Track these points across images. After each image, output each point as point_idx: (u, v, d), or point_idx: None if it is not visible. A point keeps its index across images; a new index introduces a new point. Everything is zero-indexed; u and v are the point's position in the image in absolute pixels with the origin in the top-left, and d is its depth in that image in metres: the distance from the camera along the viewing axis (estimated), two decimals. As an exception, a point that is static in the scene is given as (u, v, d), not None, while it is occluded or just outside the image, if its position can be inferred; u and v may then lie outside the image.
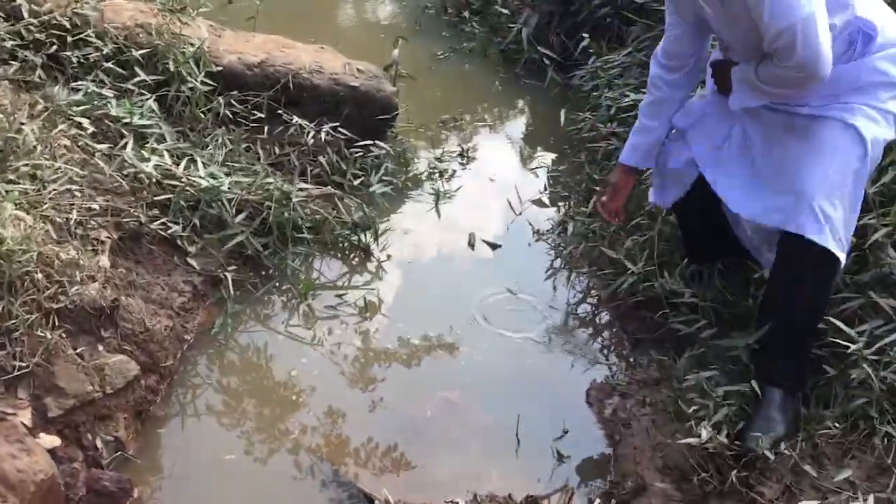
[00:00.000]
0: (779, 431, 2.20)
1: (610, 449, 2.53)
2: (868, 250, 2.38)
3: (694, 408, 2.27)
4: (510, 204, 3.68)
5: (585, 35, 4.00)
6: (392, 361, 2.91)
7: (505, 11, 5.30)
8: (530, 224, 3.55)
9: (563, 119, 3.79)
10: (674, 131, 2.59)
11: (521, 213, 3.61)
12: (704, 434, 2.11)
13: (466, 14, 5.59)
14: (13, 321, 2.32)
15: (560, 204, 3.66)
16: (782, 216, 2.25)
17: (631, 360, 2.84)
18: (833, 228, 2.18)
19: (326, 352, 2.94)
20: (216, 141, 3.52)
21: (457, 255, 3.43)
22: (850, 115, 2.18)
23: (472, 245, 3.47)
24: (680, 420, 2.39)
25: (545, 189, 3.79)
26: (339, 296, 3.17)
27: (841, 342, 2.18)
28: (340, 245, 3.42)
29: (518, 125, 4.39)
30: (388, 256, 3.38)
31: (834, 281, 2.29)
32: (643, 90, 3.47)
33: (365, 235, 3.41)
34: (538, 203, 3.72)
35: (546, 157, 4.03)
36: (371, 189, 3.63)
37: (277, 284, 3.21)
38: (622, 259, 2.97)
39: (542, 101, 4.45)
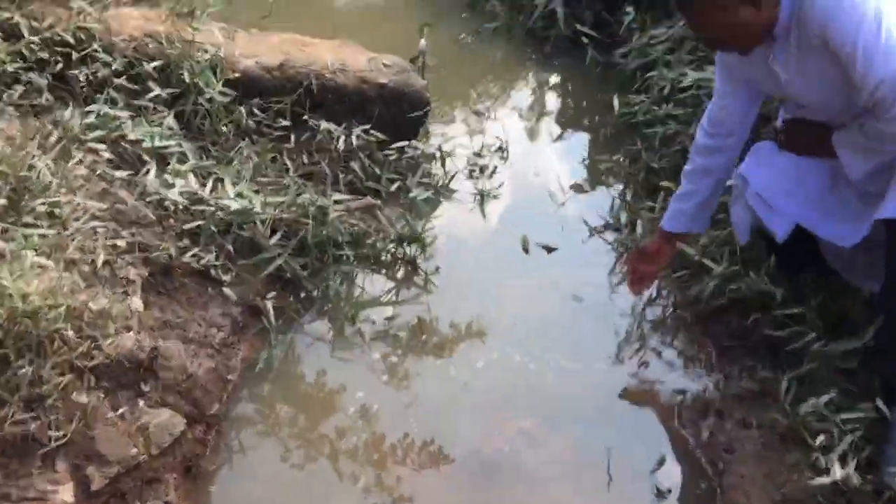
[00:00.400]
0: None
1: (714, 479, 2.28)
2: None
3: (818, 437, 2.01)
4: (558, 197, 3.41)
5: (630, 9, 3.69)
6: (456, 389, 2.66)
7: (525, -13, 4.98)
8: (585, 222, 3.27)
9: (616, 104, 3.49)
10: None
11: (571, 207, 3.33)
12: (838, 471, 1.85)
13: (487, -8, 5.27)
14: (45, 387, 2.08)
15: (615, 196, 3.37)
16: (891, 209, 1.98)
17: (721, 371, 2.57)
18: None
19: (383, 381, 2.69)
20: (241, 155, 3.25)
21: (510, 261, 3.15)
22: None
23: (525, 249, 3.20)
24: (793, 444, 2.14)
25: (597, 181, 3.51)
26: (390, 318, 2.91)
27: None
28: (384, 259, 3.16)
29: (558, 111, 4.08)
30: (437, 268, 3.11)
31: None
32: (699, 66, 3.23)
33: (410, 247, 3.14)
34: (590, 196, 3.44)
35: (595, 146, 3.73)
36: (411, 195, 3.36)
37: (322, 308, 2.95)
38: (700, 259, 2.70)
39: (582, 82, 4.15)
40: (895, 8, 1.84)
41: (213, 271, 2.80)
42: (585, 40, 4.01)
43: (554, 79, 4.34)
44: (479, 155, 3.70)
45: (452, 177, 3.54)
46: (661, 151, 3.19)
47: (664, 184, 2.98)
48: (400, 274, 3.13)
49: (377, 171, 3.45)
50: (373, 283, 3.08)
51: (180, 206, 2.81)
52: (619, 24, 3.92)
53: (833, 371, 2.21)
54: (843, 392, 2.13)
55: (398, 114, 3.61)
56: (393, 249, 3.14)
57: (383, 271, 3.13)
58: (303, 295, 2.96)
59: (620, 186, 3.40)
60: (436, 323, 2.89)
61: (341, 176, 3.37)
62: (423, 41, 3.92)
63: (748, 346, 2.55)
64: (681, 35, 3.47)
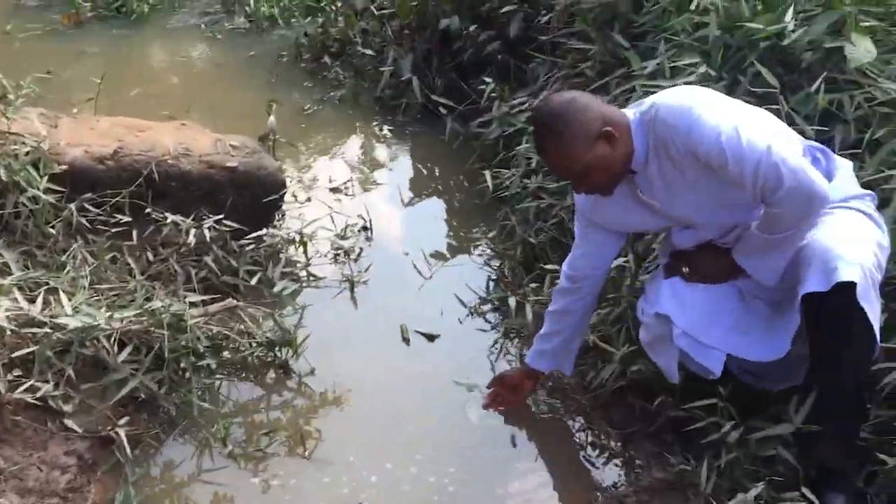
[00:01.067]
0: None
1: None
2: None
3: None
4: (433, 279, 3.23)
5: (488, 79, 3.60)
6: (350, 510, 2.38)
7: (369, 52, 4.86)
8: (462, 303, 3.10)
9: (489, 178, 3.35)
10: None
11: (446, 288, 3.15)
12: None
13: (326, 59, 5.11)
14: None
15: (490, 273, 3.23)
16: (815, 282, 1.92)
17: (628, 461, 2.44)
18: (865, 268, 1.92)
19: (265, 510, 2.37)
20: (74, 259, 2.87)
21: (390, 354, 2.92)
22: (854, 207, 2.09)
23: (406, 339, 2.98)
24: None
25: (472, 258, 3.36)
26: (266, 433, 2.60)
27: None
28: (251, 364, 2.84)
29: (422, 185, 3.92)
30: (312, 370, 2.83)
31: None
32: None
33: (281, 350, 2.85)
34: (466, 274, 3.28)
35: (465, 222, 3.59)
36: (276, 289, 3.07)
37: (185, 429, 2.60)
38: (596, 340, 2.58)
39: (442, 154, 4.02)
40: (733, 110, 1.97)
41: (51, 402, 2.41)
42: (443, 110, 3.89)
43: (412, 151, 4.19)
44: (342, 237, 3.47)
45: (316, 262, 3.28)
46: (536, 225, 3.08)
47: (549, 266, 2.86)
48: (271, 379, 2.82)
49: (234, 263, 3.15)
50: (241, 394, 2.75)
51: (7, 332, 2.40)
52: (474, 93, 3.83)
53: (752, 458, 2.12)
54: (766, 482, 2.04)
55: (252, 199, 3.33)
56: (261, 354, 2.83)
57: (252, 378, 2.82)
58: (162, 416, 2.60)
59: (496, 263, 3.26)
60: (318, 433, 2.60)
61: (194, 273, 3.04)
62: (271, 118, 3.68)
63: (654, 430, 2.44)
64: (542, 104, 3.39)
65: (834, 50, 2.62)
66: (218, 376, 2.75)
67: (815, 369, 2.02)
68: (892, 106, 2.48)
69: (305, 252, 3.38)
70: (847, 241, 1.96)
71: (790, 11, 2.63)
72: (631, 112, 2.09)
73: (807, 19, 2.69)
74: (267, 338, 2.81)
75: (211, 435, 2.57)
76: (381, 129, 4.37)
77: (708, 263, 2.19)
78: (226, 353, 2.83)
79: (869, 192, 2.18)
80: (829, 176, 2.10)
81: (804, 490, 1.95)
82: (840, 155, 2.26)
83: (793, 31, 2.61)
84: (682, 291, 2.19)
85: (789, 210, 1.92)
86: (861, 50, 2.53)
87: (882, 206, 2.34)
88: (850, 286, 1.86)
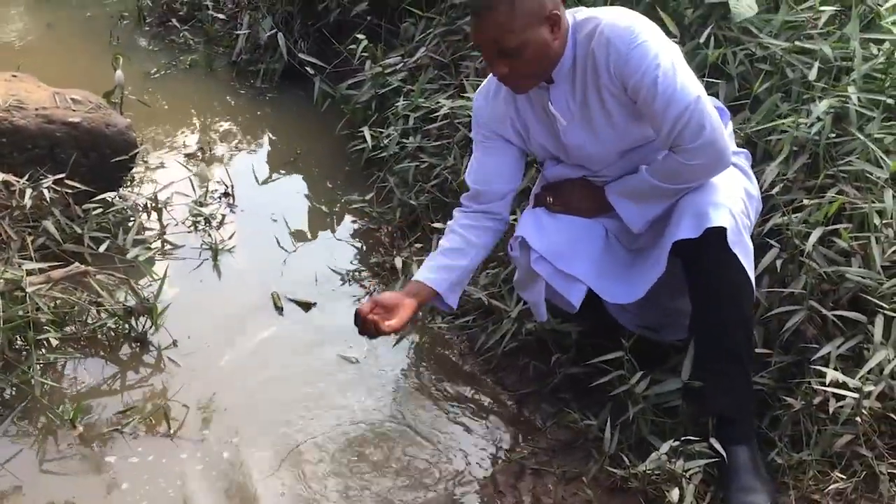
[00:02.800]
0: (762, 502, 1.82)
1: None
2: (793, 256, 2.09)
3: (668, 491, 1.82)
4: (305, 245, 3.01)
5: (361, 36, 3.40)
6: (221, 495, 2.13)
7: (220, 16, 4.56)
8: (335, 271, 2.90)
9: (368, 137, 3.14)
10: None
11: (321, 255, 2.94)
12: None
13: (174, 22, 4.74)
14: None
15: (370, 239, 3.04)
16: (686, 228, 1.89)
17: (522, 422, 2.32)
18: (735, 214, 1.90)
19: (124, 496, 2.08)
20: None
21: (261, 324, 2.67)
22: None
23: (278, 308, 2.74)
24: (631, 497, 1.94)
25: (347, 224, 3.16)
26: (122, 412, 2.30)
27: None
28: (101, 338, 2.53)
29: (287, 150, 3.65)
30: (174, 342, 2.55)
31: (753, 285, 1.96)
32: (450, 96, 3.02)
33: (137, 321, 2.54)
34: (341, 240, 3.08)
35: (337, 186, 3.37)
36: (129, 256, 2.75)
37: (25, 411, 2.27)
38: (485, 300, 2.45)
39: (308, 118, 3.78)
40: (672, 48, 1.88)
41: None
42: (310, 70, 3.65)
43: (276, 115, 3.94)
44: (201, 203, 3.18)
45: (174, 230, 2.98)
46: (416, 187, 2.92)
47: (436, 225, 2.70)
48: (126, 354, 2.52)
49: (78, 229, 2.81)
50: (91, 371, 2.44)
51: None
52: (341, 55, 3.62)
53: (654, 411, 2.05)
54: (669, 433, 1.98)
55: (99, 160, 3.00)
56: (114, 325, 2.52)
57: (103, 353, 2.51)
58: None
59: (373, 228, 3.07)
60: (184, 409, 2.32)
61: (30, 239, 2.68)
62: (118, 73, 3.33)
63: (550, 389, 2.34)
64: (417, 64, 3.25)
65: (715, 6, 2.62)
66: (64, 352, 2.42)
67: (696, 318, 1.98)
68: (772, 62, 2.50)
69: (160, 219, 3.08)
70: (717, 191, 1.93)
71: (674, -34, 2.61)
72: (569, 16, 1.94)
73: (689, -24, 2.68)
74: (122, 305, 2.50)
75: (56, 416, 2.25)
76: (239, 94, 4.08)
77: (576, 196, 2.09)
78: (72, 328, 2.51)
79: (744, 149, 2.17)
80: None
81: (712, 441, 1.89)
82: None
83: (677, -14, 2.59)
84: (545, 220, 2.08)
85: (699, 163, 1.88)
86: (744, 5, 2.54)
87: (766, 158, 2.36)
88: (721, 231, 1.85)
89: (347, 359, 2.52)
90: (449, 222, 2.18)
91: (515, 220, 2.28)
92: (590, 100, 1.96)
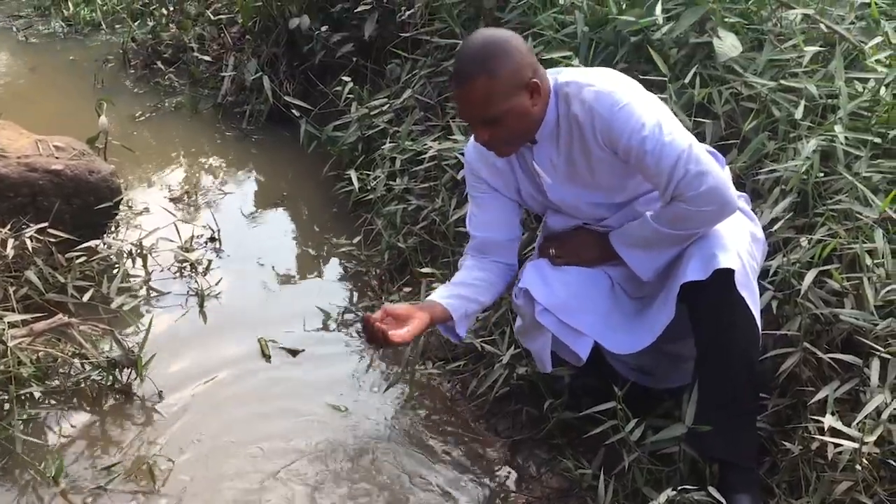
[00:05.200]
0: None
1: None
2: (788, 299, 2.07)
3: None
4: (291, 288, 2.97)
5: (346, 78, 3.39)
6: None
7: (205, 58, 4.56)
8: (322, 312, 2.86)
9: (355, 179, 3.12)
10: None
11: (308, 299, 2.90)
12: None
13: (158, 65, 4.74)
14: None
15: (358, 282, 3.01)
16: (693, 271, 1.87)
17: (515, 469, 2.27)
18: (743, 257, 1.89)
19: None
20: None
21: (249, 372, 2.63)
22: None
23: (266, 356, 2.70)
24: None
25: (335, 268, 3.13)
26: (108, 468, 2.24)
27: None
28: (85, 390, 2.48)
29: (273, 192, 3.63)
30: (160, 393, 2.50)
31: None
32: (437, 138, 3.01)
33: (122, 372, 2.50)
34: (329, 284, 3.05)
35: (325, 229, 3.34)
36: (113, 305, 2.71)
37: (7, 469, 2.21)
38: (477, 345, 2.42)
39: (294, 160, 3.77)
40: (655, 104, 1.88)
41: None
42: (296, 113, 3.64)
43: (261, 157, 3.92)
44: (187, 249, 3.14)
45: (158, 276, 2.94)
46: (404, 229, 2.90)
47: (424, 270, 2.68)
48: (110, 407, 2.47)
49: (61, 279, 2.76)
50: (75, 425, 2.39)
51: None
52: (329, 96, 3.61)
53: (650, 458, 2.02)
54: (666, 481, 1.94)
55: (82, 207, 2.96)
56: (99, 378, 2.47)
57: (87, 406, 2.45)
58: (-23, 457, 2.20)
59: (362, 272, 3.04)
60: (169, 464, 2.27)
61: (12, 290, 2.64)
62: (102, 118, 3.31)
63: (543, 436, 2.30)
64: (403, 105, 3.24)
65: (699, 46, 2.62)
66: (47, 406, 2.37)
67: (701, 362, 1.96)
68: (757, 101, 2.50)
69: (145, 265, 3.04)
70: (724, 234, 1.92)
71: (658, 6, 2.62)
72: (550, 78, 1.95)
73: (673, 17, 2.69)
74: (106, 358, 2.45)
75: (39, 473, 2.19)
76: (224, 136, 4.06)
77: (580, 245, 2.08)
78: (56, 381, 2.46)
79: (743, 193, 2.17)
80: None
81: (710, 490, 1.85)
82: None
83: (662, 26, 2.60)
84: (549, 272, 2.05)
85: (707, 210, 1.86)
86: (728, 45, 2.54)
87: (754, 198, 2.35)
88: (729, 273, 1.83)
89: (337, 407, 2.47)
90: (462, 261, 2.17)
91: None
92: (575, 157, 1.96)
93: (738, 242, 1.91)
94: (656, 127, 1.82)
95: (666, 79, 2.44)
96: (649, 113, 1.84)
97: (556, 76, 1.95)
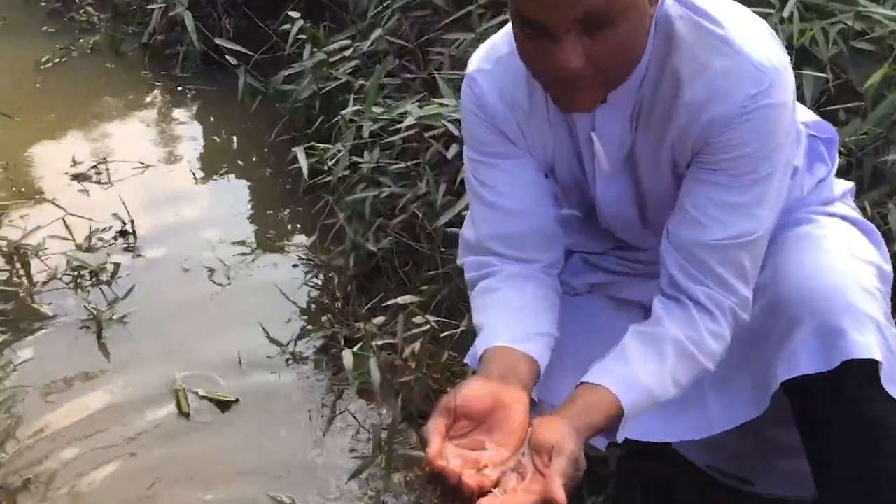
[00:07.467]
0: None
1: None
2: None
3: None
4: (229, 304, 2.20)
5: (295, 14, 2.54)
6: None
7: (132, -11, 3.72)
8: (266, 342, 2.10)
9: (303, 161, 2.26)
10: None
11: (249, 323, 2.13)
12: None
13: (76, -4, 3.90)
14: None
15: (315, 305, 2.22)
16: (806, 358, 1.13)
17: None
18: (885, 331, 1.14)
19: None
20: None
21: (155, 442, 1.85)
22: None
23: (184, 413, 1.93)
24: None
25: (287, 275, 2.34)
26: None
27: None
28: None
29: (207, 166, 2.83)
30: (27, 482, 1.74)
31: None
32: (408, 94, 2.21)
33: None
34: (277, 301, 2.25)
35: (274, 218, 2.55)
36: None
37: None
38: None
39: (236, 120, 2.97)
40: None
41: None
42: (232, 60, 2.80)
43: (195, 117, 3.13)
44: (88, 249, 2.36)
45: (44, 287, 2.17)
46: (376, 223, 2.11)
47: (402, 301, 1.89)
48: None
49: None
50: None
51: None
52: (277, 36, 2.79)
53: None
54: None
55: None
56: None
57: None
58: None
59: (320, 283, 2.26)
60: None
61: None
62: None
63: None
64: (371, 50, 2.42)
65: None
66: None
67: (827, 494, 1.21)
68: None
69: (28, 274, 2.26)
70: (847, 281, 1.16)
71: None
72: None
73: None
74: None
75: None
76: (151, 87, 3.26)
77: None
78: None
79: (849, 182, 1.39)
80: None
81: None
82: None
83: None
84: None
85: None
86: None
87: (874, 184, 1.63)
88: (870, 366, 1.11)
89: (280, 501, 1.72)
90: (482, 285, 1.26)
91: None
92: (649, 136, 1.16)
93: (872, 297, 1.16)
94: (777, 178, 1.14)
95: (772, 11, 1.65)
96: (785, 149, 1.13)
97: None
